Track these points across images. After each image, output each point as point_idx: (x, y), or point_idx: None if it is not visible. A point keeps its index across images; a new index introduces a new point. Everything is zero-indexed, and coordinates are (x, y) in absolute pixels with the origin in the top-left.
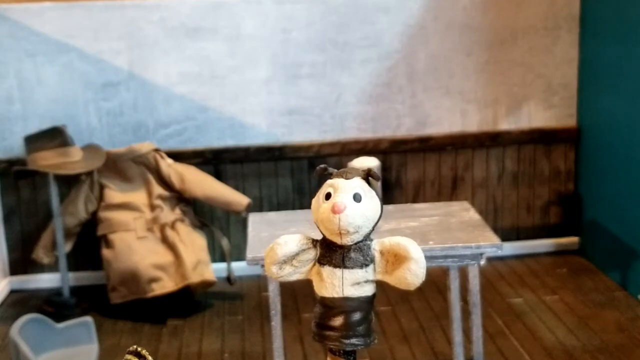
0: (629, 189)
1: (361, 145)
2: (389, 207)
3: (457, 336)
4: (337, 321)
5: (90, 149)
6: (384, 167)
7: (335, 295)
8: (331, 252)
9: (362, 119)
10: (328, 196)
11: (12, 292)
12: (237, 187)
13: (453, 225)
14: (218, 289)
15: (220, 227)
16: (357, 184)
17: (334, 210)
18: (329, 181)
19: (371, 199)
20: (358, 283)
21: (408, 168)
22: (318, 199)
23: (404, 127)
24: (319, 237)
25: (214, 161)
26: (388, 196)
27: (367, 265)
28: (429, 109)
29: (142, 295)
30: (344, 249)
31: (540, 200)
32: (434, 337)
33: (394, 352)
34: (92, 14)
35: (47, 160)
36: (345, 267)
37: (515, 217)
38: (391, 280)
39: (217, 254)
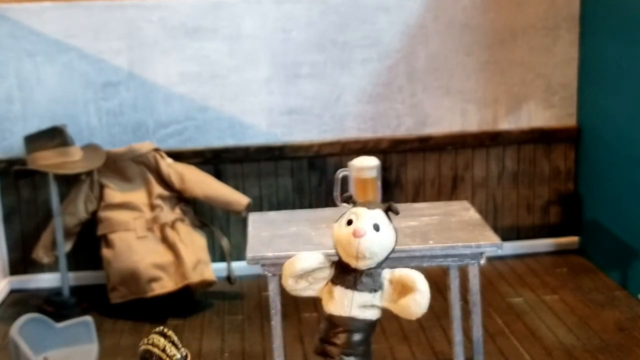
0: (629, 189)
1: (361, 145)
2: None
3: (457, 336)
4: (340, 339)
5: (90, 148)
6: (384, 167)
7: (343, 314)
8: (345, 273)
9: (362, 119)
10: (350, 222)
11: (12, 291)
12: (237, 187)
13: (453, 224)
14: (218, 288)
15: (220, 226)
16: (378, 215)
17: (355, 235)
18: (352, 209)
19: (389, 231)
20: (365, 306)
21: (408, 168)
22: (340, 224)
23: (404, 127)
24: (325, 247)
25: (214, 161)
26: (388, 196)
27: (375, 291)
28: (429, 108)
29: (142, 295)
30: (357, 273)
31: (540, 199)
32: (434, 336)
33: (394, 351)
34: (92, 14)
35: (47, 160)
36: (356, 289)
37: (515, 216)
38: (395, 308)
39: (217, 254)
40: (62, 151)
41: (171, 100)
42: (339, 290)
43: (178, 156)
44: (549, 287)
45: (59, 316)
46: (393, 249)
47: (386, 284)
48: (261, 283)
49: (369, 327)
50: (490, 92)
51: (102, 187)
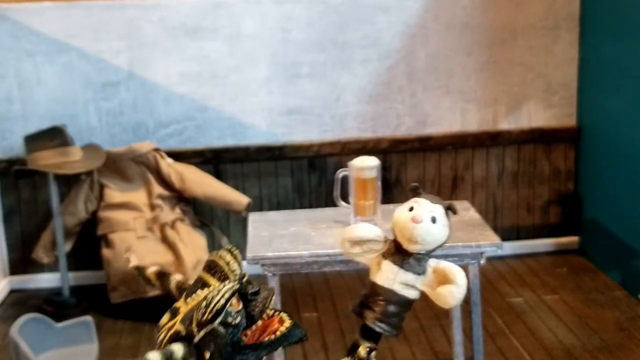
0: (629, 189)
1: (361, 144)
2: (389, 207)
3: (457, 335)
4: (378, 306)
5: (90, 148)
6: (384, 167)
7: (385, 286)
8: (396, 252)
9: (362, 119)
10: (411, 209)
11: (12, 291)
12: (237, 187)
13: (453, 224)
14: None
15: (220, 226)
16: (437, 209)
17: (413, 220)
18: (416, 198)
19: (444, 227)
20: (407, 285)
21: (408, 168)
22: (402, 209)
23: (404, 127)
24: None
25: (214, 161)
26: (388, 196)
27: (419, 275)
28: (429, 108)
29: (142, 295)
30: (407, 254)
31: (540, 199)
32: (434, 336)
33: (394, 351)
34: (92, 14)
35: (47, 160)
36: (402, 267)
37: (515, 216)
38: (432, 294)
39: None
40: (62, 151)
41: (171, 100)
42: (387, 264)
43: (178, 156)
44: (549, 287)
45: (59, 316)
46: (443, 243)
47: (430, 270)
48: (261, 283)
49: (406, 303)
50: (490, 92)
51: (102, 187)
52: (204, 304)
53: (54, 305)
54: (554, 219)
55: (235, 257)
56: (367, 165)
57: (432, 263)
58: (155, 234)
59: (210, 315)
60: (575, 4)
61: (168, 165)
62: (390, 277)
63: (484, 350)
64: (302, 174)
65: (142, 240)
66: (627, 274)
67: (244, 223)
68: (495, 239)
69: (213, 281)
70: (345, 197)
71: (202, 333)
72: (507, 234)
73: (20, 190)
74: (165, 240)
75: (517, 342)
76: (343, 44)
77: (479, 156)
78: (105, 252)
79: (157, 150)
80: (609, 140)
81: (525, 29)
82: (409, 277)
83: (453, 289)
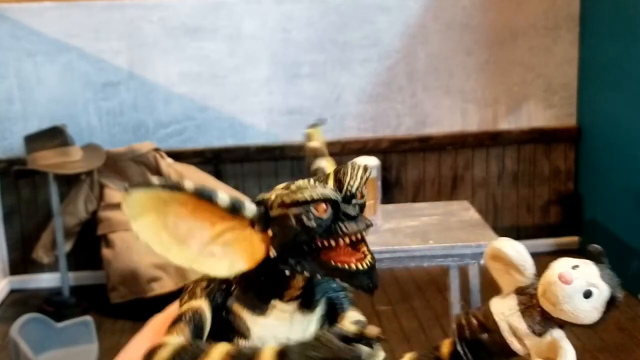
0: (629, 189)
1: (361, 144)
2: (389, 207)
3: None
4: (474, 331)
5: (90, 148)
6: (384, 167)
7: (494, 317)
8: (530, 296)
9: (362, 119)
10: (575, 267)
11: (12, 291)
12: (237, 187)
13: (453, 224)
14: None
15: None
16: (601, 287)
17: (561, 277)
18: (592, 262)
19: (594, 309)
20: (514, 333)
21: (408, 168)
22: (565, 263)
23: (404, 127)
24: None
25: (214, 161)
26: (388, 196)
27: (533, 333)
28: (429, 108)
29: (142, 295)
30: (538, 306)
31: (540, 199)
32: (434, 336)
33: (394, 352)
34: (92, 14)
35: (47, 160)
36: (522, 313)
37: (515, 216)
38: None
39: None
40: (62, 151)
41: (171, 100)
42: (511, 299)
43: (178, 156)
44: None
45: (59, 316)
46: (581, 325)
47: (548, 339)
48: None
49: (501, 349)
50: (490, 92)
51: (102, 186)
52: (293, 187)
53: (54, 305)
54: (554, 219)
55: (359, 178)
56: (367, 165)
57: (556, 334)
58: None
59: (289, 200)
60: (575, 4)
61: (168, 165)
62: (504, 312)
63: None
64: (302, 174)
65: None
66: (627, 274)
67: None
68: (495, 239)
69: (330, 180)
70: None
71: (276, 211)
72: (507, 234)
73: (20, 190)
74: None
75: None
76: (343, 44)
77: (479, 156)
78: (105, 252)
79: (157, 150)
80: (609, 140)
81: (525, 29)
82: (521, 326)
83: None
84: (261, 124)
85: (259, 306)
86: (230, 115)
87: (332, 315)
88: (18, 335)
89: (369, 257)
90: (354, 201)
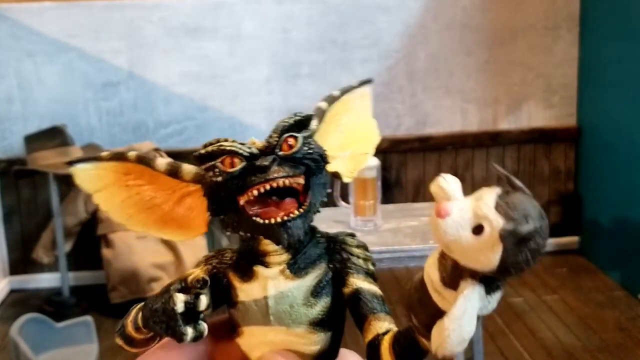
0: (629, 189)
1: None
2: (389, 207)
3: None
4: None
5: (90, 148)
6: (384, 167)
7: None
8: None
9: None
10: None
11: (12, 291)
12: None
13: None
14: None
15: (220, 226)
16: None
17: (438, 212)
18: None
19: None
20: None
21: (408, 167)
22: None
23: (404, 127)
24: None
25: None
26: (388, 196)
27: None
28: (429, 108)
29: (142, 295)
30: None
31: (540, 199)
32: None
33: None
34: (92, 14)
35: (47, 159)
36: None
37: None
38: None
39: None
40: (62, 151)
41: (171, 100)
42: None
43: (178, 156)
44: (549, 287)
45: (59, 316)
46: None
47: None
48: None
49: None
50: (490, 92)
51: None
52: (206, 143)
53: (54, 305)
54: (554, 219)
55: (280, 126)
56: (367, 165)
57: (463, 286)
58: None
59: (198, 155)
60: (575, 4)
61: None
62: (429, 262)
63: (484, 350)
64: None
65: (142, 240)
66: (627, 274)
67: None
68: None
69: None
70: (345, 197)
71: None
72: None
73: (20, 190)
74: (165, 240)
75: (517, 342)
76: (343, 44)
77: (479, 156)
78: (105, 252)
79: (157, 150)
80: (609, 140)
81: (525, 29)
82: (434, 277)
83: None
84: (261, 124)
85: (246, 272)
86: (230, 115)
87: (339, 283)
88: (18, 335)
89: (295, 211)
90: (279, 153)
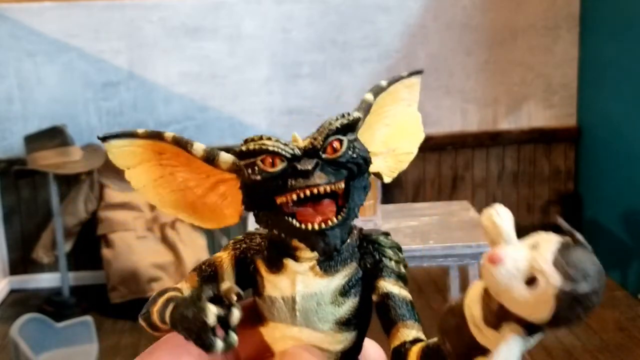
0: (629, 189)
1: None
2: (389, 207)
3: None
4: None
5: (90, 148)
6: None
7: None
8: None
9: None
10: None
11: (12, 291)
12: None
13: (453, 224)
14: None
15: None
16: (544, 257)
17: (491, 258)
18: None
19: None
20: None
21: (408, 167)
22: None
23: None
24: None
25: None
26: (388, 196)
27: None
28: (429, 108)
29: (142, 295)
30: None
31: (540, 199)
32: (433, 336)
33: None
34: (92, 14)
35: (47, 160)
36: None
37: (515, 216)
38: None
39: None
40: (62, 151)
41: (171, 100)
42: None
43: None
44: None
45: (59, 316)
46: None
47: None
48: None
49: None
50: (490, 92)
51: (102, 186)
52: (248, 139)
53: (54, 305)
54: (554, 219)
55: (326, 129)
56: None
57: (507, 329)
58: (155, 233)
59: (239, 151)
60: (575, 4)
61: None
62: (472, 297)
63: None
64: None
65: (142, 240)
66: (627, 274)
67: (243, 223)
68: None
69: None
70: None
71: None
72: None
73: (20, 190)
74: (165, 240)
75: None
76: (343, 44)
77: (479, 156)
78: (105, 252)
79: None
80: (609, 140)
81: (525, 29)
82: (477, 314)
83: None
84: (261, 124)
85: (275, 264)
86: (230, 115)
87: (369, 283)
88: (18, 335)
89: (333, 218)
90: (323, 156)
